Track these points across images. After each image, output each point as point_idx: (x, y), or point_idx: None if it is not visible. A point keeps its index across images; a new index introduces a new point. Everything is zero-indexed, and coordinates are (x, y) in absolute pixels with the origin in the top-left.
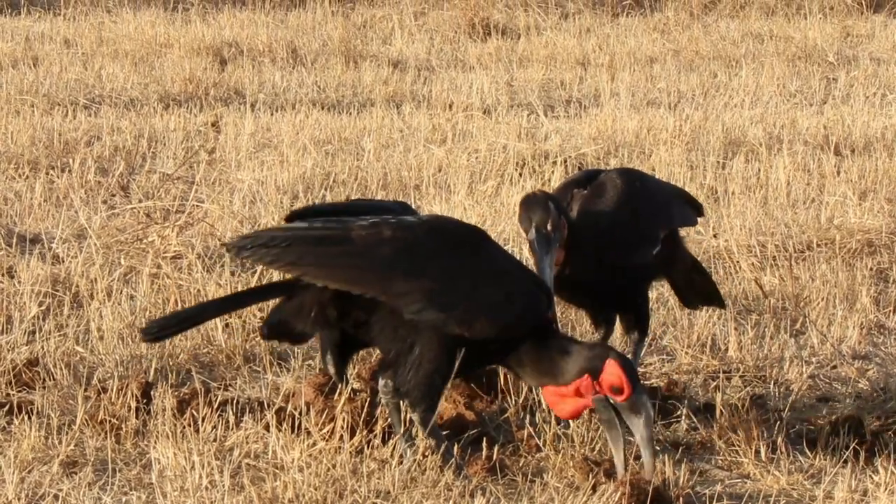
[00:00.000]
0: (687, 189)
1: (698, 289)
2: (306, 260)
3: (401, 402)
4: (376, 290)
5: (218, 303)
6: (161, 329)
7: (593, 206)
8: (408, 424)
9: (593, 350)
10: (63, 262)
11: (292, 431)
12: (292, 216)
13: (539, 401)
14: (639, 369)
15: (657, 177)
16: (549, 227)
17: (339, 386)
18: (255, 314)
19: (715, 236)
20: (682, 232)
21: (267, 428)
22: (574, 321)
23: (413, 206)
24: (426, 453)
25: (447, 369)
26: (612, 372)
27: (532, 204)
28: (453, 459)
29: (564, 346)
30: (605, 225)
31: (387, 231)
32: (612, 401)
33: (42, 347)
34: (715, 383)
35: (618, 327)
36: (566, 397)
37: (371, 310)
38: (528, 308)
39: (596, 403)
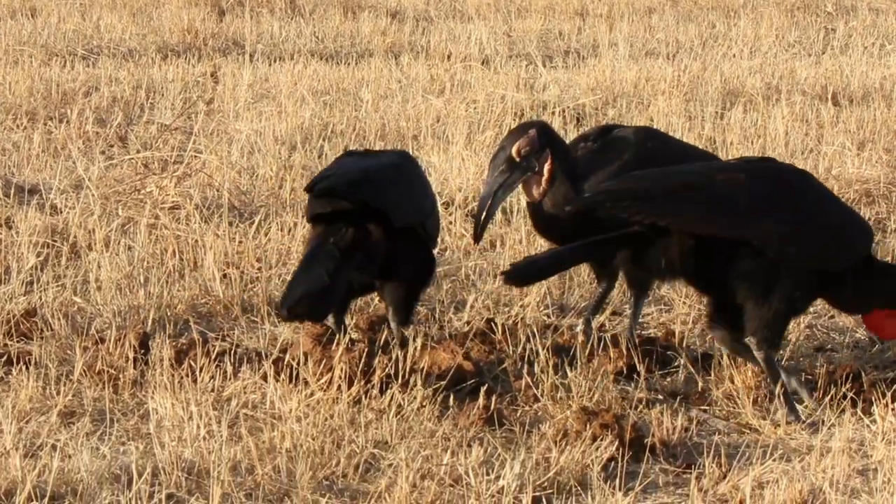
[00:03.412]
0: (686, 141)
1: None
2: (676, 209)
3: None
4: (745, 233)
5: (576, 249)
6: (525, 275)
7: (596, 162)
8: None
9: None
10: (61, 212)
11: (290, 381)
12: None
13: (537, 351)
14: (638, 320)
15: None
16: (514, 151)
17: (337, 336)
18: (252, 265)
19: None
20: None
21: (265, 378)
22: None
23: (412, 155)
24: (424, 403)
25: (799, 306)
26: None
27: (514, 129)
28: (794, 394)
29: (888, 268)
30: (603, 182)
31: (741, 175)
32: None
33: (40, 298)
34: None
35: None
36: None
37: (729, 255)
38: (862, 239)
39: None
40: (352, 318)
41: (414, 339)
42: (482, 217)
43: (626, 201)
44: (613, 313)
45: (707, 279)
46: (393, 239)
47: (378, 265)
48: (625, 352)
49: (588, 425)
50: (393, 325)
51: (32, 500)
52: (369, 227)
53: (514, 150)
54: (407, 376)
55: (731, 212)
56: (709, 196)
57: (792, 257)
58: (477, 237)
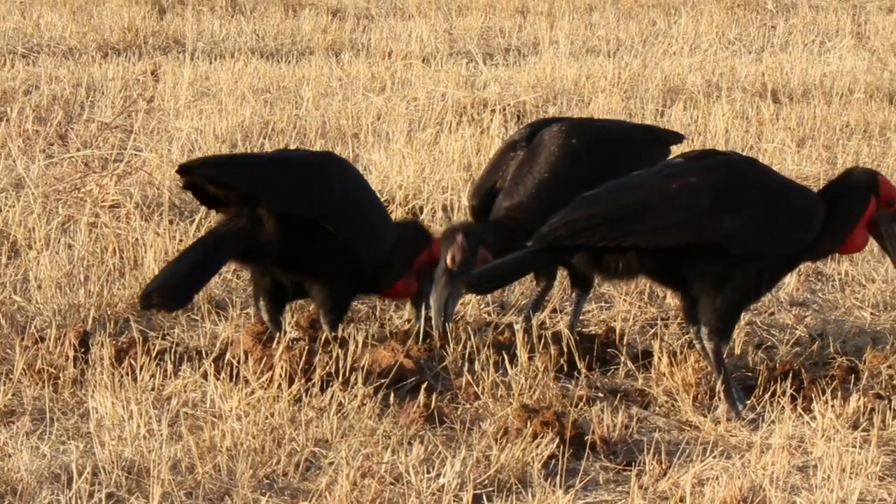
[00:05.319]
0: None
1: None
2: (637, 229)
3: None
4: (709, 235)
5: (536, 254)
6: (489, 280)
7: (526, 170)
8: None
9: (866, 174)
10: (1, 211)
11: (230, 380)
12: None
13: (477, 348)
14: (578, 318)
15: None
16: (448, 261)
17: (278, 334)
18: None
19: None
20: None
21: (205, 377)
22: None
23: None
24: (364, 401)
25: (753, 296)
26: (887, 185)
27: (443, 237)
28: (734, 391)
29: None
30: (530, 197)
31: (692, 178)
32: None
33: None
34: (653, 330)
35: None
36: (860, 230)
37: (682, 258)
38: (818, 211)
39: (881, 218)
40: (292, 317)
41: (354, 338)
42: (440, 328)
43: (585, 231)
44: (553, 311)
45: (665, 276)
46: (297, 233)
47: (272, 256)
48: (565, 349)
49: (528, 423)
50: (324, 326)
51: None
52: (262, 216)
53: (448, 262)
54: (347, 374)
55: (697, 217)
56: (670, 209)
57: (759, 247)
58: (442, 339)
